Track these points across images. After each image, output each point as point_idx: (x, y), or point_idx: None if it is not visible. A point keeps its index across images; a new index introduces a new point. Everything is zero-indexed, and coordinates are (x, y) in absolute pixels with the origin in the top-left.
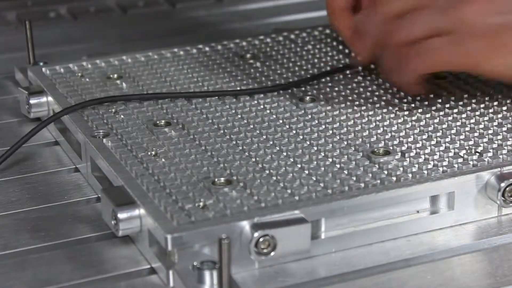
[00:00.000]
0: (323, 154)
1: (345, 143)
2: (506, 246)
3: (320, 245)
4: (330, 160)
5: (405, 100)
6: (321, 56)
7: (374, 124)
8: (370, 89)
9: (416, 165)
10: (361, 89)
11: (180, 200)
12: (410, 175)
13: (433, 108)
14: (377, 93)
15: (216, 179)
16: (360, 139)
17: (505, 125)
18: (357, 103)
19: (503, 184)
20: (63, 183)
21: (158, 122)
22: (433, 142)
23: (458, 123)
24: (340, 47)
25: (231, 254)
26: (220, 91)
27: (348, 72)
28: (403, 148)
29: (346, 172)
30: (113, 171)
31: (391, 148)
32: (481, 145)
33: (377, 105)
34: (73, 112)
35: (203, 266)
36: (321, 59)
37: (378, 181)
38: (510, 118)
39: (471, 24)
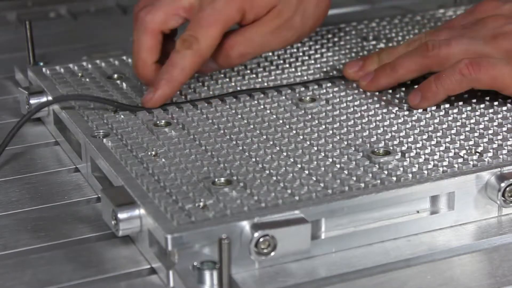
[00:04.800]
0: (323, 154)
1: (345, 143)
2: (506, 246)
3: (320, 245)
4: (330, 160)
5: (405, 101)
6: (321, 57)
7: (374, 124)
8: None
9: (416, 165)
10: (361, 89)
11: (180, 200)
12: (410, 175)
13: (433, 108)
14: (377, 93)
15: (216, 179)
16: (360, 139)
17: (505, 125)
18: (357, 103)
19: (503, 184)
20: (63, 183)
21: (158, 122)
22: (433, 142)
23: (458, 123)
24: (337, 48)
25: (231, 254)
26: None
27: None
28: (403, 148)
29: (346, 172)
30: (113, 171)
31: (391, 148)
32: (481, 145)
33: (377, 105)
34: (63, 103)
35: (203, 266)
36: (321, 59)
37: (378, 181)
38: (510, 118)
39: None
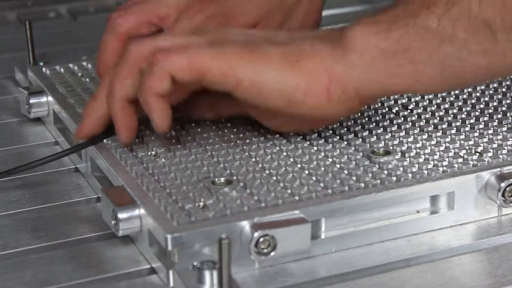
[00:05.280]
0: (323, 154)
1: (345, 143)
2: (506, 246)
3: (320, 245)
4: (330, 160)
5: (404, 101)
6: None
7: (374, 123)
8: None
9: (416, 165)
10: None
11: (180, 200)
12: (410, 175)
13: (433, 107)
14: None
15: (216, 179)
16: (360, 139)
17: (505, 125)
18: None
19: (503, 184)
20: (63, 183)
21: None
22: (433, 142)
23: (458, 123)
24: None
25: (231, 254)
26: None
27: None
28: (403, 148)
29: (346, 172)
30: (113, 171)
31: (391, 148)
32: (481, 145)
33: (377, 105)
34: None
35: (203, 266)
36: None
37: (378, 181)
38: (510, 117)
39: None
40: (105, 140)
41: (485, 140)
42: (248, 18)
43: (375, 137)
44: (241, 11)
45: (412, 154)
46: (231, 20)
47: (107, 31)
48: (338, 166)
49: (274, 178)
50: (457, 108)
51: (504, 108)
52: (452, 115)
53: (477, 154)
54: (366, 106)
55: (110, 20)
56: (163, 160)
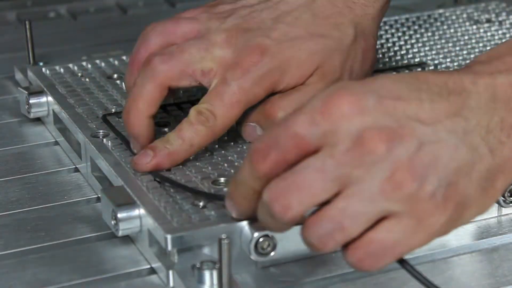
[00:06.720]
0: None
1: None
2: (506, 246)
3: None
4: None
5: None
6: None
7: None
8: None
9: None
10: None
11: (180, 200)
12: None
13: None
14: None
15: (216, 179)
16: None
17: None
18: None
19: None
20: (63, 183)
21: (158, 122)
22: None
23: None
24: None
25: (231, 254)
26: None
27: None
28: None
29: None
30: (113, 171)
31: None
32: None
33: None
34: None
35: (203, 266)
36: None
37: None
38: None
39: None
40: (104, 140)
41: None
42: (305, 68)
43: None
44: (298, 63)
45: None
46: (286, 75)
47: (146, 75)
48: None
49: None
50: None
51: None
52: None
53: None
54: None
55: (152, 64)
56: None
